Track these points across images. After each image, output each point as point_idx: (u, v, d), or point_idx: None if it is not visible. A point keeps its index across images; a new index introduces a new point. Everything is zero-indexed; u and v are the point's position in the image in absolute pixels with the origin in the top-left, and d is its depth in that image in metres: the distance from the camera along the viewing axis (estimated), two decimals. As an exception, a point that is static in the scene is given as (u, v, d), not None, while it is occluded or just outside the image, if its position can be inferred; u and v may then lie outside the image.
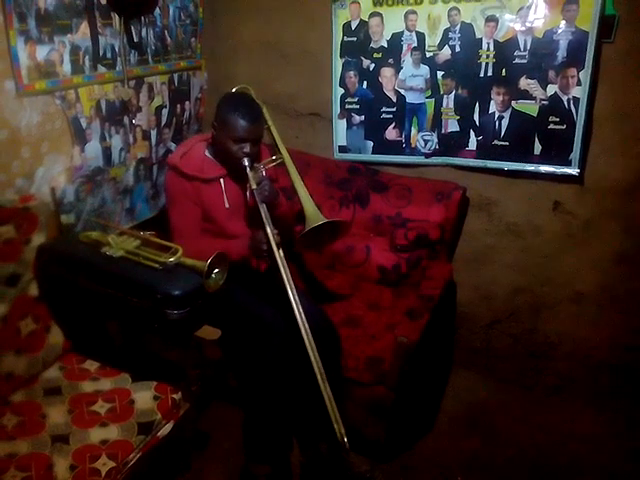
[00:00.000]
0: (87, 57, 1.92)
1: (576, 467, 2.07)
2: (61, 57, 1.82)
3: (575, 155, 2.10)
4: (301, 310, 1.79)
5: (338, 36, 2.33)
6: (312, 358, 1.75)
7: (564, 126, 2.10)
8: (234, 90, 2.20)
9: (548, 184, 2.20)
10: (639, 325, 2.22)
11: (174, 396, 1.65)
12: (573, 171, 2.13)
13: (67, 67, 1.85)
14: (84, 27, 1.88)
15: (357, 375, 1.92)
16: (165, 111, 2.37)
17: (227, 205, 1.97)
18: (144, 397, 1.62)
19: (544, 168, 2.17)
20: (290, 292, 1.80)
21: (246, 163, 1.87)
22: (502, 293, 2.42)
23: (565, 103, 2.07)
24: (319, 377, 1.74)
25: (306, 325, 1.78)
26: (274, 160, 2.04)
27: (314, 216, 1.92)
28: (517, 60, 2.10)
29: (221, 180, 1.96)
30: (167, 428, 1.60)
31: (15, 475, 1.32)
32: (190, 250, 1.68)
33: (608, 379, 2.32)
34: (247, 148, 1.87)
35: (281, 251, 1.84)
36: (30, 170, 1.79)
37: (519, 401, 2.39)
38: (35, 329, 1.68)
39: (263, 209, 1.86)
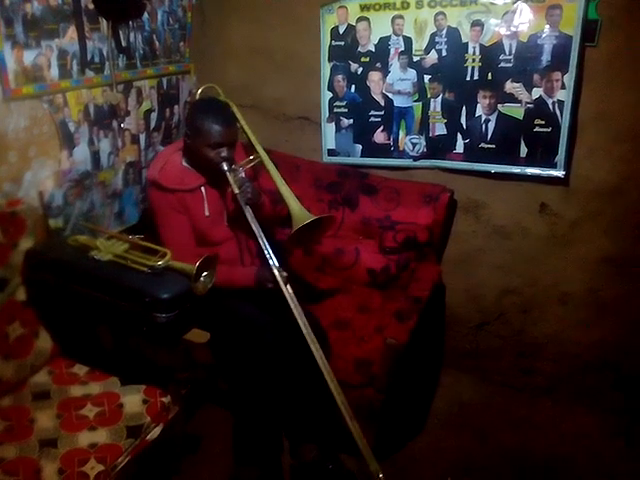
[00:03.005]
0: (75, 61, 1.92)
1: (566, 466, 2.09)
2: (48, 61, 1.82)
3: (560, 157, 2.13)
4: (297, 306, 1.80)
5: (326, 40, 2.35)
6: (322, 366, 1.77)
7: (549, 129, 2.12)
8: (200, 90, 2.21)
9: (534, 186, 2.23)
10: (625, 325, 2.24)
11: (163, 399, 1.65)
12: (559, 173, 2.15)
13: (55, 71, 1.85)
14: (71, 31, 1.88)
15: (346, 377, 1.93)
16: (154, 115, 2.37)
17: (207, 213, 1.96)
18: (133, 400, 1.62)
19: (530, 170, 2.20)
20: (302, 325, 1.80)
21: (225, 167, 1.88)
22: (490, 295, 2.44)
23: (550, 106, 2.10)
24: (331, 385, 1.76)
25: (315, 342, 1.79)
26: (252, 160, 2.04)
27: (301, 215, 1.93)
28: (503, 64, 2.12)
29: (202, 188, 1.96)
30: (156, 431, 1.60)
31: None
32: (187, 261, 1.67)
33: (596, 379, 2.35)
34: (225, 152, 1.88)
35: (289, 287, 1.84)
36: (18, 174, 1.79)
37: (508, 402, 2.41)
38: (23, 334, 1.67)
39: (249, 212, 1.87)
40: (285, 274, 1.85)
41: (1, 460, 1.38)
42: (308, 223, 1.88)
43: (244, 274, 1.95)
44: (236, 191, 1.87)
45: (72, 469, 1.38)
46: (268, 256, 1.86)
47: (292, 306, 1.81)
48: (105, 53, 2.03)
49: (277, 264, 1.85)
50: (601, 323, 2.28)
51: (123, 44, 2.12)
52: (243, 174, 1.94)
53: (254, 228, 1.86)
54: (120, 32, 2.09)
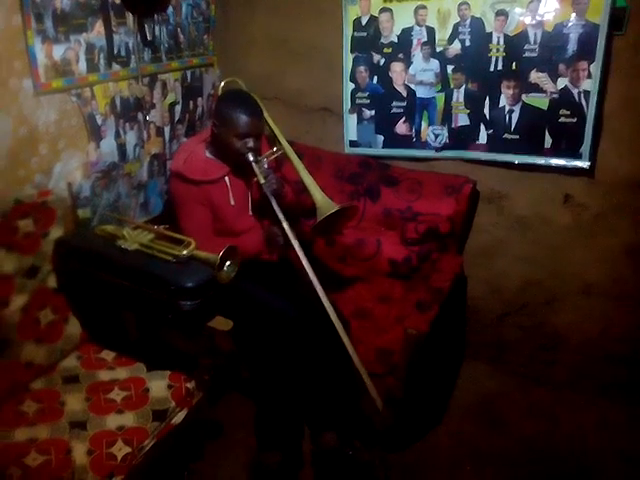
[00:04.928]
0: (102, 55, 1.96)
1: (586, 458, 2.08)
2: (77, 56, 1.87)
3: (585, 148, 2.10)
4: (323, 293, 1.84)
5: (348, 31, 2.35)
6: (347, 346, 1.81)
7: (574, 119, 2.09)
8: (222, 84, 2.24)
9: (558, 177, 2.20)
10: (649, 318, 2.22)
11: (187, 385, 1.69)
12: (583, 164, 2.13)
13: (83, 65, 1.90)
14: (99, 26, 1.93)
15: (367, 366, 1.94)
16: (178, 107, 2.41)
17: (232, 202, 2.00)
18: (159, 386, 1.67)
19: (554, 161, 2.17)
20: (312, 277, 1.84)
21: (251, 158, 1.91)
22: (512, 286, 2.42)
23: (575, 96, 2.07)
24: (356, 361, 1.81)
25: (333, 313, 1.83)
26: (275, 152, 2.07)
27: (325, 205, 1.96)
28: (527, 54, 2.10)
29: (226, 178, 2.00)
30: (181, 415, 1.65)
31: (36, 458, 1.38)
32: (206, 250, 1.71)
33: (618, 372, 2.32)
34: (251, 143, 1.91)
35: (297, 241, 1.88)
36: (48, 166, 1.84)
37: (529, 393, 2.40)
38: (54, 319, 1.73)
39: (274, 202, 1.90)
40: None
41: (34, 440, 1.44)
42: (332, 213, 1.90)
43: (253, 238, 2.00)
44: (262, 181, 1.90)
45: (101, 450, 1.44)
46: (280, 216, 1.90)
47: (302, 258, 1.87)
48: (131, 47, 2.08)
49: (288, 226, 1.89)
50: (624, 315, 2.25)
51: (148, 37, 2.15)
52: (267, 165, 1.96)
53: (280, 217, 1.89)
54: (146, 26, 2.13)
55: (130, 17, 2.04)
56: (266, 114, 2.21)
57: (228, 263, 1.71)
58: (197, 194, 1.96)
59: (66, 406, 1.56)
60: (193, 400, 1.70)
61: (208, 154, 2.02)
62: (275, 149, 2.08)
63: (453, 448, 2.10)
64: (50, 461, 1.38)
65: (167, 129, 2.36)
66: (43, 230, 1.74)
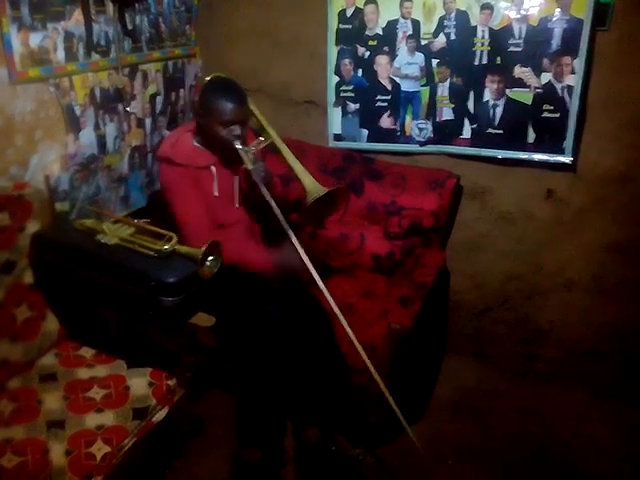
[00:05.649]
0: (81, 44, 1.91)
1: (568, 451, 2.10)
2: (54, 44, 1.82)
3: (568, 143, 2.11)
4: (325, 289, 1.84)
5: (333, 24, 2.32)
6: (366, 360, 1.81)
7: (558, 114, 2.10)
8: (208, 78, 2.20)
9: (541, 172, 2.21)
10: (630, 312, 2.24)
11: (169, 382, 1.67)
12: (566, 159, 2.14)
13: (61, 54, 1.85)
14: (77, 14, 1.88)
15: (351, 361, 1.94)
16: (160, 99, 2.37)
17: (216, 193, 1.97)
18: (139, 383, 1.64)
19: (538, 156, 2.18)
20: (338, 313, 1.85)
21: (238, 145, 1.88)
22: (495, 280, 2.43)
23: (559, 91, 2.08)
24: (373, 372, 1.81)
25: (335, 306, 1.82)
26: (263, 141, 2.04)
27: (314, 188, 1.94)
28: (512, 48, 2.10)
29: (212, 167, 1.97)
30: (162, 413, 1.62)
31: (11, 459, 1.35)
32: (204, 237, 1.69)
33: (599, 366, 2.35)
34: (237, 130, 1.89)
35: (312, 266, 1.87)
36: (24, 158, 1.79)
37: (511, 387, 2.42)
38: (30, 316, 1.69)
39: (264, 189, 1.87)
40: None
41: (10, 441, 1.40)
42: (322, 196, 1.88)
43: (260, 258, 1.93)
44: (250, 167, 1.87)
45: (79, 450, 1.41)
46: (287, 230, 1.87)
47: (326, 294, 1.86)
48: (111, 36, 2.03)
49: (297, 241, 1.86)
50: (605, 310, 2.28)
51: (129, 27, 2.11)
52: (253, 155, 1.94)
53: (272, 204, 1.87)
54: (126, 15, 2.08)
55: (110, 5, 2.00)
56: (252, 105, 2.17)
57: (211, 258, 1.68)
58: (187, 176, 1.92)
59: (43, 405, 1.53)
60: (174, 398, 1.67)
61: (196, 142, 1.99)
62: (262, 138, 2.05)
63: (435, 443, 2.11)
64: (26, 462, 1.35)
65: (148, 121, 2.32)
66: (19, 224, 1.69)
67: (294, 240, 1.86)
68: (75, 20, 1.87)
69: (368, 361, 1.82)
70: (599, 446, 2.13)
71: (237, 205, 2.05)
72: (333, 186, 2.02)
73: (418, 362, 2.26)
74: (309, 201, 1.91)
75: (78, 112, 1.96)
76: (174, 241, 1.67)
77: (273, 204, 1.87)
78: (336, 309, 1.84)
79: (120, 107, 2.14)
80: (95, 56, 1.98)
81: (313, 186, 1.96)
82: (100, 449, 1.42)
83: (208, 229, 1.84)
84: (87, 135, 2.01)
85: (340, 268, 2.34)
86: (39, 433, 1.44)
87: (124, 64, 2.12)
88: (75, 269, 1.72)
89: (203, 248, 1.63)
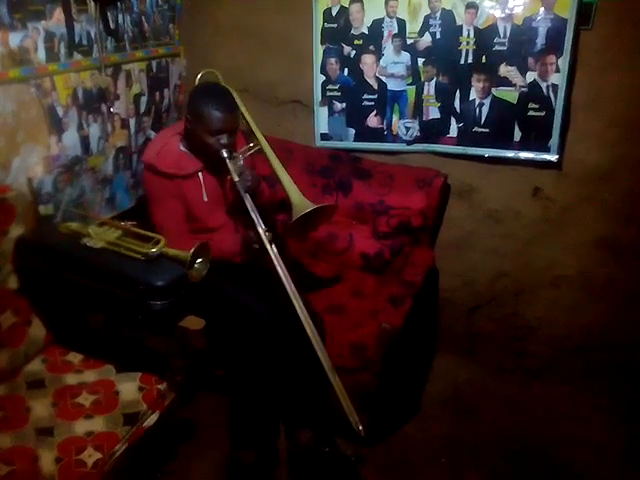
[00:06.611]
0: (62, 44, 1.87)
1: (557, 446, 2.12)
2: (35, 44, 1.78)
3: (554, 141, 2.13)
4: (302, 305, 1.80)
5: (319, 22, 2.31)
6: (317, 350, 1.78)
7: (543, 113, 2.12)
8: (200, 75, 2.18)
9: (528, 170, 2.23)
10: (617, 308, 2.27)
11: (159, 386, 1.64)
12: (552, 157, 2.15)
13: (42, 54, 1.81)
14: (58, 13, 1.84)
15: (341, 361, 1.93)
16: (144, 99, 2.33)
17: (205, 199, 1.95)
18: (129, 388, 1.61)
19: (524, 154, 2.19)
20: (288, 287, 1.81)
21: (225, 155, 1.85)
22: (483, 278, 2.45)
23: (544, 90, 2.09)
24: (327, 368, 1.77)
25: (309, 320, 1.79)
26: (252, 147, 2.02)
27: (301, 204, 1.91)
28: (497, 47, 2.11)
29: (199, 174, 1.94)
30: (153, 418, 1.60)
31: (0, 468, 1.31)
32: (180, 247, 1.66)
33: (587, 361, 2.38)
34: (224, 139, 1.85)
35: (274, 247, 1.84)
36: (5, 160, 1.75)
37: (501, 384, 2.44)
38: (16, 322, 1.66)
39: (248, 200, 1.85)
40: (270, 234, 1.84)
41: (-3, 449, 1.37)
42: (308, 212, 1.86)
43: (230, 240, 1.95)
44: (236, 179, 1.85)
45: (69, 457, 1.38)
46: (256, 220, 1.84)
47: (278, 267, 1.82)
48: (93, 35, 1.99)
49: (263, 226, 1.84)
50: (592, 306, 2.30)
51: (111, 26, 2.07)
52: (242, 162, 1.91)
53: (253, 216, 1.84)
54: (108, 14, 2.04)
55: (92, 4, 1.96)
56: (243, 108, 2.15)
57: (199, 261, 1.66)
58: (170, 187, 1.90)
59: (31, 412, 1.50)
60: (165, 402, 1.65)
61: (182, 147, 1.96)
62: (252, 144, 2.03)
63: (427, 441, 2.12)
64: (15, 471, 1.32)
65: (133, 121, 2.29)
66: (2, 228, 1.65)
67: (275, 259, 1.84)
68: (56, 19, 1.83)
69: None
70: (587, 442, 2.15)
71: (226, 208, 2.03)
72: (320, 203, 1.97)
73: (409, 361, 2.26)
74: (295, 217, 1.88)
75: (61, 113, 1.92)
76: (162, 244, 1.65)
77: (254, 215, 1.84)
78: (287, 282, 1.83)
79: (104, 107, 2.11)
80: (77, 56, 1.94)
81: (300, 201, 1.92)
82: (91, 456, 1.39)
83: (183, 239, 1.80)
84: (70, 136, 1.98)
85: (332, 278, 2.32)
86: (28, 441, 1.40)
87: (107, 64, 2.08)
88: (60, 274, 1.68)
89: (191, 250, 1.61)
